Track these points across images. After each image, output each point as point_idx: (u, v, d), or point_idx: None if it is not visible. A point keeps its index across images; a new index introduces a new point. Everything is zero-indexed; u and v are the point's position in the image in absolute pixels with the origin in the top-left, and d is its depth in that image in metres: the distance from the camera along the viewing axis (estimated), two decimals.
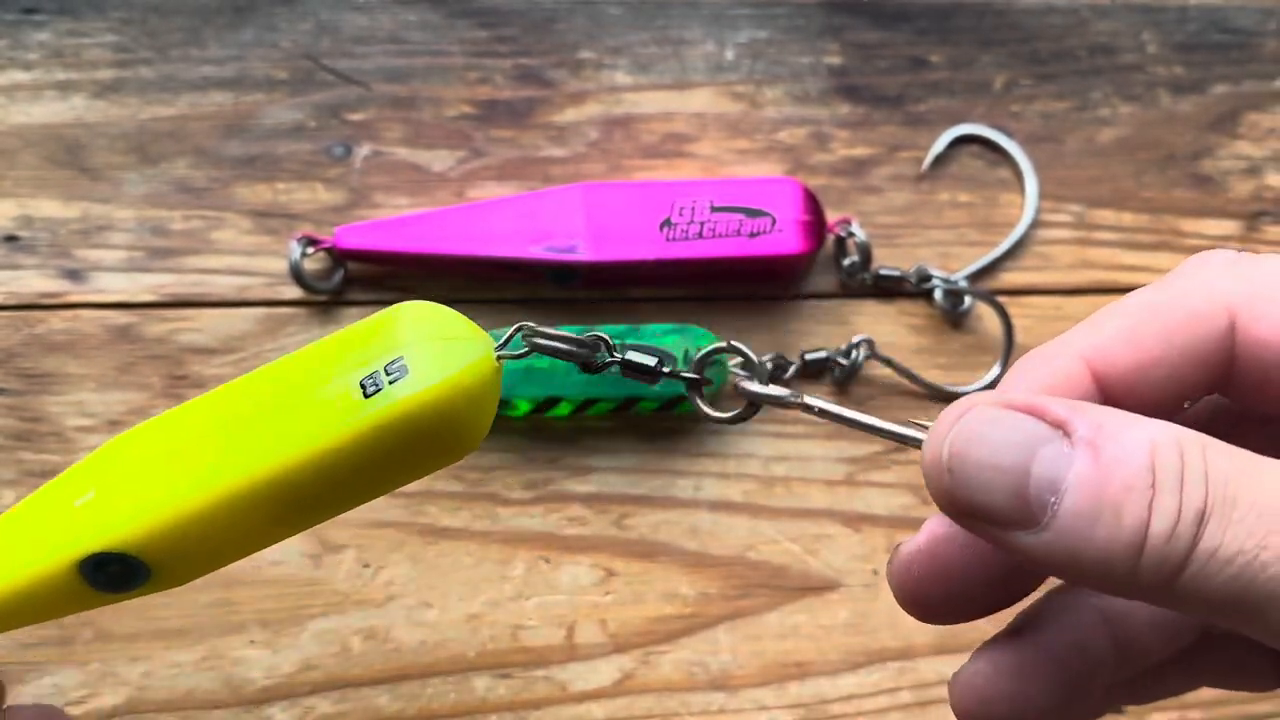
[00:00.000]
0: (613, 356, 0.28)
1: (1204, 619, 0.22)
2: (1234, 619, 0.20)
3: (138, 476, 0.27)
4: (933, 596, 0.26)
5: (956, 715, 0.26)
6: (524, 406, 0.39)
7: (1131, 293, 0.25)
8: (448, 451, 0.28)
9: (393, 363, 0.27)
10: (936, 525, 0.25)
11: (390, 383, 0.26)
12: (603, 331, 0.39)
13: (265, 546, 0.28)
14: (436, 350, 0.27)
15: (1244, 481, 0.20)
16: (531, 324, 0.27)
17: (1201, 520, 0.20)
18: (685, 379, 0.28)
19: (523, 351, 0.28)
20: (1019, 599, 0.26)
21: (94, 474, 0.28)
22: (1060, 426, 0.21)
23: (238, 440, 0.27)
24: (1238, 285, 0.24)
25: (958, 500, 0.22)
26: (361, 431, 0.26)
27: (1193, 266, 0.25)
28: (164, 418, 0.28)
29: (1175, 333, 0.24)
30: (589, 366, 0.28)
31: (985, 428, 0.22)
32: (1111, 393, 0.24)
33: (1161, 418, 0.22)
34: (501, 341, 0.27)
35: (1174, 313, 0.24)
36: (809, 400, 0.27)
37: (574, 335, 0.28)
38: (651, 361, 0.28)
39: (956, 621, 0.26)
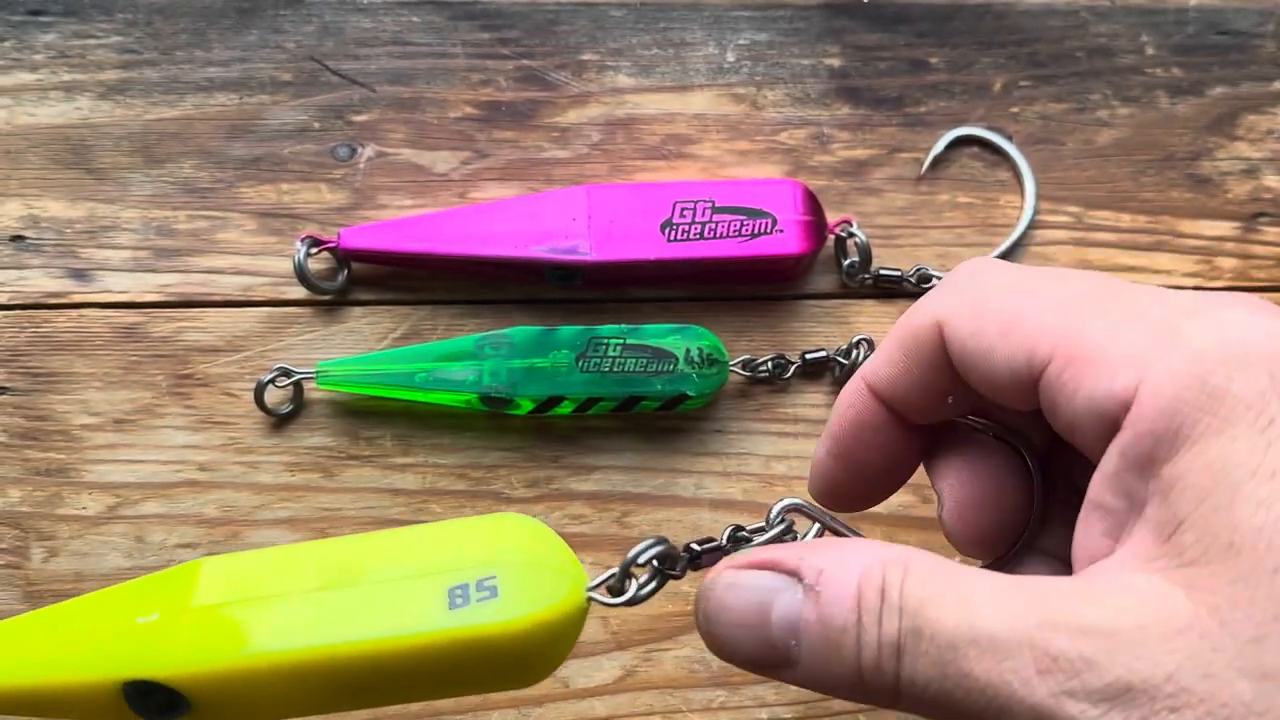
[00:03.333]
0: (690, 553, 0.29)
1: None
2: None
3: (206, 613, 0.27)
4: (842, 490, 0.30)
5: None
6: (526, 405, 0.39)
7: None
8: (517, 677, 0.28)
9: (485, 579, 0.27)
10: (827, 450, 0.30)
11: (478, 600, 0.26)
12: (604, 331, 0.40)
13: (310, 715, 0.28)
14: (530, 578, 0.27)
15: (928, 612, 0.23)
16: (627, 565, 0.28)
17: (898, 653, 0.23)
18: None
19: (620, 601, 0.28)
20: (904, 482, 0.31)
21: (164, 593, 0.27)
22: (794, 574, 0.25)
23: (314, 609, 0.27)
24: (943, 297, 0.27)
25: (722, 656, 0.26)
26: (438, 642, 0.26)
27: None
28: (247, 556, 0.28)
29: (908, 348, 0.27)
30: (676, 574, 0.28)
31: (727, 595, 0.26)
32: (890, 404, 0.28)
33: (929, 418, 0.28)
34: (595, 583, 0.27)
35: (903, 331, 0.27)
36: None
37: (655, 564, 0.28)
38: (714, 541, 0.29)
39: (864, 507, 0.31)
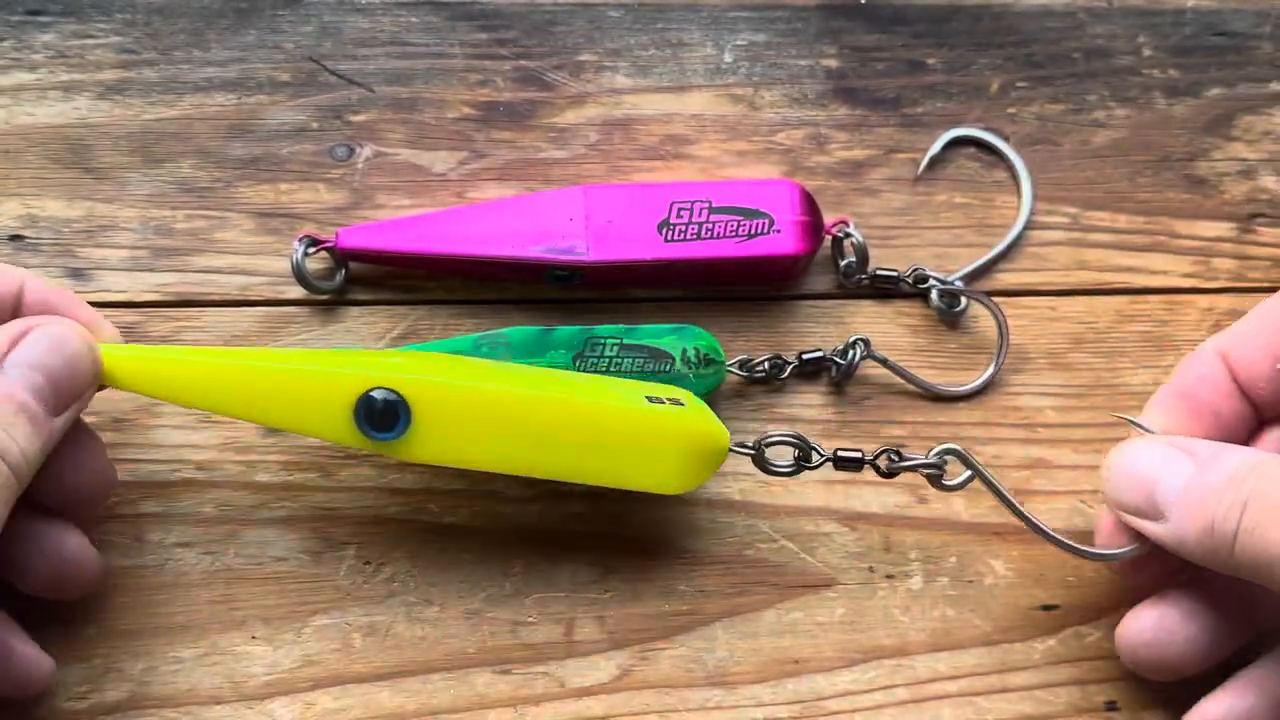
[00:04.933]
0: (834, 454, 0.38)
1: (1250, 576, 0.32)
2: (1264, 576, 0.31)
3: (443, 358, 0.37)
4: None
5: (1133, 665, 0.37)
6: None
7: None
8: (669, 475, 0.36)
9: (674, 400, 0.36)
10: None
11: (669, 404, 0.36)
12: (601, 331, 0.40)
13: (501, 465, 0.35)
14: (703, 412, 0.36)
15: (1276, 482, 0.32)
16: (761, 440, 0.38)
17: (1244, 508, 0.31)
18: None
19: (748, 451, 0.38)
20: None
21: (396, 360, 0.35)
22: (1191, 454, 0.34)
23: (535, 381, 0.35)
24: None
25: (1110, 498, 0.36)
26: (633, 415, 0.35)
27: None
28: (450, 358, 0.37)
29: (1263, 316, 0.36)
30: (811, 465, 0.38)
31: (1131, 453, 0.35)
32: (1231, 366, 0.36)
33: (1262, 384, 0.36)
34: (736, 444, 0.37)
35: (1265, 305, 0.36)
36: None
37: (796, 453, 0.38)
38: (857, 455, 0.38)
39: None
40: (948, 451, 0.37)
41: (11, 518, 0.31)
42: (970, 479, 0.37)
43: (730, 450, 0.37)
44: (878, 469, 0.37)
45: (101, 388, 0.35)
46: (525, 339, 0.39)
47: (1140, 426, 0.37)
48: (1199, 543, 0.33)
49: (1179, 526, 0.34)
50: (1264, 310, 0.36)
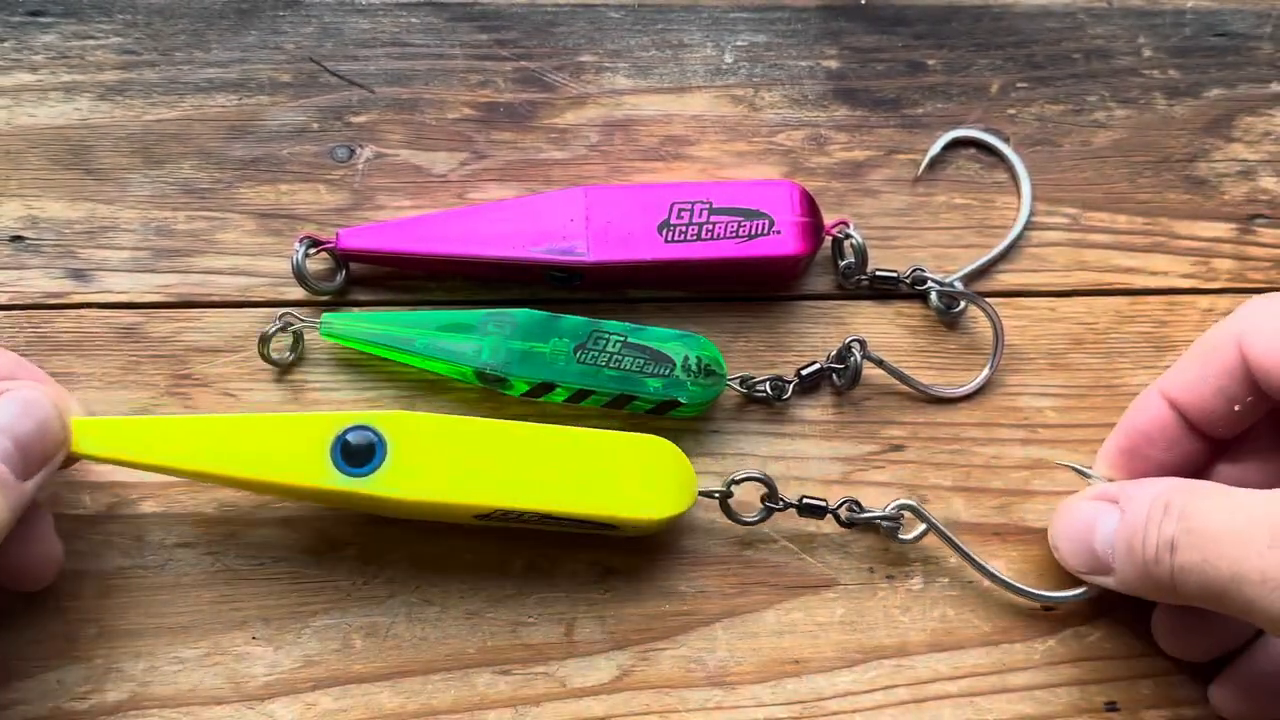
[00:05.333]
0: (798, 500, 0.39)
1: (1203, 606, 0.32)
2: (1214, 605, 0.32)
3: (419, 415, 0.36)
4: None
5: None
6: (521, 387, 0.39)
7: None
8: (643, 502, 0.36)
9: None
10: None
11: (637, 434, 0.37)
12: (607, 326, 0.39)
13: (479, 498, 0.35)
14: (676, 451, 0.37)
15: (1199, 516, 0.32)
16: (728, 481, 0.39)
17: (1172, 548, 0.32)
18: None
19: (717, 494, 0.39)
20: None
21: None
22: (1114, 501, 0.35)
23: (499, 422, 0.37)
24: (1242, 319, 0.35)
25: (1064, 565, 0.37)
26: (608, 435, 0.37)
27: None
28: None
29: (1207, 361, 0.36)
30: (778, 507, 0.39)
31: (1065, 515, 0.37)
32: (1183, 411, 0.37)
33: (1220, 423, 0.36)
34: (705, 490, 0.38)
35: (1203, 347, 0.36)
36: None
37: (764, 498, 0.39)
38: (821, 504, 0.39)
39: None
40: (903, 507, 0.39)
41: None
42: (925, 533, 0.39)
43: (700, 494, 0.38)
44: (838, 519, 0.39)
45: (73, 461, 0.35)
46: (532, 322, 0.39)
47: (1083, 473, 0.39)
48: (1144, 589, 0.34)
49: (1122, 577, 0.35)
50: (1205, 350, 0.36)
